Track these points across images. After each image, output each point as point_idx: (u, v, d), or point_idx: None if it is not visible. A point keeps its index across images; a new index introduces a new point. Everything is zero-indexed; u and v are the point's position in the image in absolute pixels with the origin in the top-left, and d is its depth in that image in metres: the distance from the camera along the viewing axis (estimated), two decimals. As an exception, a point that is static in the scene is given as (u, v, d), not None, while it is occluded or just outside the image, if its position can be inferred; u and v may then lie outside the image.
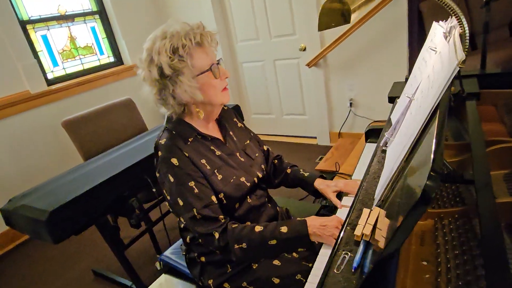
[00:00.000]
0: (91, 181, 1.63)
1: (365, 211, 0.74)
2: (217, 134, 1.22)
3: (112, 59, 3.59)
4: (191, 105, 1.10)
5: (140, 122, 2.58)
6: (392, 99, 1.35)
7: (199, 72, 1.04)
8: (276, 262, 1.14)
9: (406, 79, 1.28)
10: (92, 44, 3.45)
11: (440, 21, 0.97)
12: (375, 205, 0.74)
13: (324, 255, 0.95)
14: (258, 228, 1.05)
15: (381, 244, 0.59)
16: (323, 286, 0.65)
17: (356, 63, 2.97)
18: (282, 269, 1.12)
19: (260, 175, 1.24)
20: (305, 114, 3.59)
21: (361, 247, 0.69)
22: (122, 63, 3.63)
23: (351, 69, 3.02)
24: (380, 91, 2.93)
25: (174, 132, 1.11)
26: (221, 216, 1.07)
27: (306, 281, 1.09)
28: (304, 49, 3.19)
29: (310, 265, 1.12)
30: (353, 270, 0.67)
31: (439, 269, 0.63)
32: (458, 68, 0.55)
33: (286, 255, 1.17)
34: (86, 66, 3.38)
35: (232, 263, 1.16)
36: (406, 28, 2.66)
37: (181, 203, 1.05)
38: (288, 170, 1.38)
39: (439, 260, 0.66)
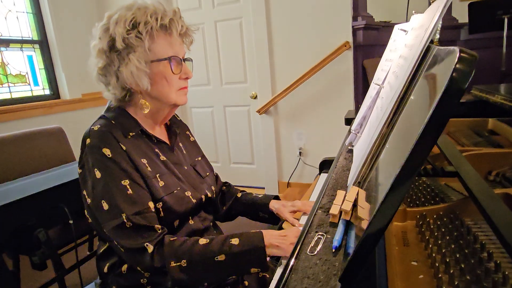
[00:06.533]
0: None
1: (340, 192, 0.58)
2: (165, 139, 1.02)
3: (48, 92, 3.27)
4: (137, 94, 0.91)
5: (68, 153, 2.26)
6: (349, 121, 1.29)
7: (155, 58, 0.87)
8: (220, 298, 0.91)
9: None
10: (26, 73, 3.14)
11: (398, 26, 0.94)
12: (352, 185, 0.59)
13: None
14: (203, 241, 0.83)
15: (365, 224, 0.43)
16: (292, 270, 0.45)
17: (305, 112, 3.01)
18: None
19: (209, 195, 1.04)
20: (254, 163, 3.47)
21: (341, 226, 0.52)
22: (58, 97, 3.32)
23: (301, 118, 3.04)
24: (329, 141, 2.95)
25: (113, 122, 0.90)
26: (158, 226, 0.84)
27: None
28: (255, 97, 3.19)
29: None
30: (333, 250, 0.49)
31: (437, 266, 0.48)
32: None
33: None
34: (15, 96, 3.03)
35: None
36: (352, 82, 2.79)
37: (105, 206, 0.81)
38: (239, 194, 1.20)
39: (433, 257, 0.51)
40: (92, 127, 0.88)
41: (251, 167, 3.50)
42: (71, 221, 1.44)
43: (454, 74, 0.29)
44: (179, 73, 0.91)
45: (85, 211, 0.91)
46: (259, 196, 1.17)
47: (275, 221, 1.12)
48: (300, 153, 3.11)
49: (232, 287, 0.97)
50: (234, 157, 3.55)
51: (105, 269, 0.95)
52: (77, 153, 2.32)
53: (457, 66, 0.30)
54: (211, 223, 1.07)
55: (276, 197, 1.16)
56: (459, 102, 0.30)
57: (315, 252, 0.49)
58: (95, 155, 0.83)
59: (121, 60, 0.86)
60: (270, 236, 0.83)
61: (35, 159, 2.04)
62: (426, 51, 0.51)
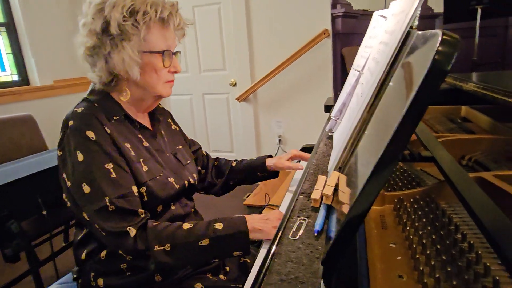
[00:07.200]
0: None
1: (321, 177, 0.59)
2: (147, 125, 1.01)
3: (16, 78, 3.12)
4: (123, 80, 0.90)
5: (39, 142, 2.17)
6: (328, 108, 1.30)
7: (148, 50, 0.86)
8: (198, 285, 0.91)
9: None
10: (-8, 58, 2.98)
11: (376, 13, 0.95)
12: (333, 170, 0.60)
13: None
14: (186, 226, 0.84)
15: (346, 208, 0.44)
16: (275, 255, 0.45)
17: (284, 100, 3.02)
18: (207, 295, 0.89)
19: (192, 181, 1.05)
20: (233, 151, 3.47)
21: (322, 210, 0.53)
22: (28, 84, 3.17)
23: (280, 106, 3.05)
24: (308, 128, 2.99)
25: (96, 105, 0.88)
26: (141, 210, 0.83)
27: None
28: (235, 85, 3.17)
29: (241, 286, 0.91)
30: (315, 234, 0.49)
31: (414, 247, 0.49)
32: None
33: (211, 277, 0.95)
34: (-20, 82, 2.87)
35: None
36: (330, 69, 2.81)
37: (87, 189, 0.80)
38: (233, 163, 1.26)
39: (411, 239, 0.52)
40: (75, 109, 0.86)
41: (230, 155, 3.49)
42: (44, 212, 1.40)
43: (436, 56, 0.30)
44: (169, 66, 0.91)
45: (64, 195, 0.89)
46: (253, 159, 1.24)
47: (275, 175, 1.23)
48: (279, 140, 3.13)
49: (214, 272, 0.98)
50: (214, 145, 3.53)
51: (83, 256, 0.94)
52: (49, 142, 2.25)
53: (440, 48, 0.30)
54: (192, 210, 1.07)
55: (270, 156, 1.24)
56: (440, 84, 0.31)
57: (297, 237, 0.50)
58: (78, 138, 0.82)
59: (113, 46, 0.84)
60: (252, 220, 0.84)
61: (5, 147, 1.95)
62: (407, 36, 0.52)
